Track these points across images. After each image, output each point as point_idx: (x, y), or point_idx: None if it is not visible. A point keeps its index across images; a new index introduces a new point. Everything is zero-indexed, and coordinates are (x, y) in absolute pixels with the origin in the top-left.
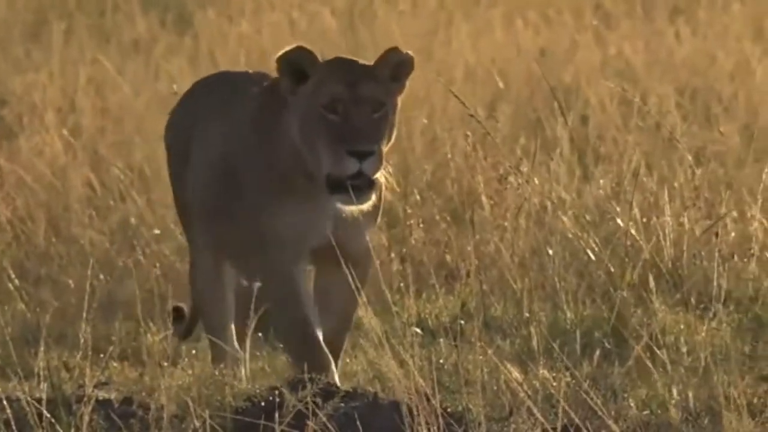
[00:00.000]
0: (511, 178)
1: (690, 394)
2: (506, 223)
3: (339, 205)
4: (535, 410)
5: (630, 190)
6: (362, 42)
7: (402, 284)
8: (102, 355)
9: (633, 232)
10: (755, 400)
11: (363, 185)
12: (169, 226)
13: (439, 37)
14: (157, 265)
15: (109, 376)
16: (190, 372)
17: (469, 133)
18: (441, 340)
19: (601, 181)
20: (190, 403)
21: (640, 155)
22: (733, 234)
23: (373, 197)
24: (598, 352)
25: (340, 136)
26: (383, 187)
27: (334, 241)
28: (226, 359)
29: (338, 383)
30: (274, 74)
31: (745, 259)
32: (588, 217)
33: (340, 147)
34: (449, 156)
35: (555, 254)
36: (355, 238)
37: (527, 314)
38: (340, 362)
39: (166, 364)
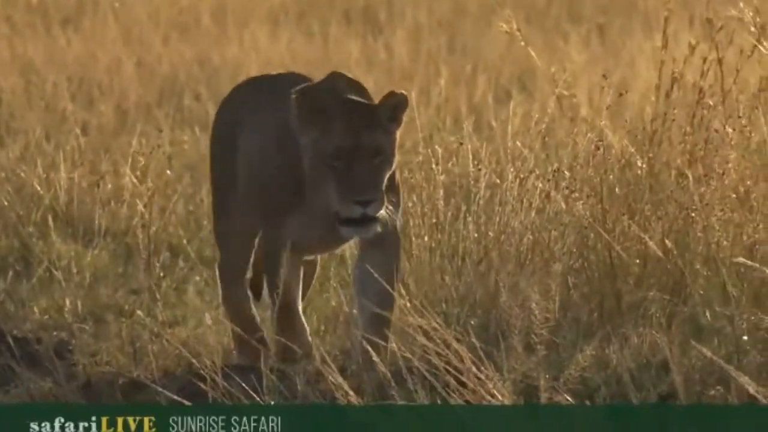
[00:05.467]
0: None
1: (79, 303)
2: None
3: (346, 235)
4: None
5: (35, 154)
6: None
7: None
8: None
9: (36, 185)
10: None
11: (367, 221)
12: None
13: None
14: None
15: None
16: None
17: None
18: None
19: (12, 148)
20: None
21: (42, 128)
22: (110, 185)
23: (378, 228)
24: (10, 273)
25: (345, 185)
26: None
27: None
28: (241, 299)
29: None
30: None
31: (119, 204)
32: (3, 174)
33: (347, 195)
34: None
35: None
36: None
37: None
38: (390, 335)
39: None
